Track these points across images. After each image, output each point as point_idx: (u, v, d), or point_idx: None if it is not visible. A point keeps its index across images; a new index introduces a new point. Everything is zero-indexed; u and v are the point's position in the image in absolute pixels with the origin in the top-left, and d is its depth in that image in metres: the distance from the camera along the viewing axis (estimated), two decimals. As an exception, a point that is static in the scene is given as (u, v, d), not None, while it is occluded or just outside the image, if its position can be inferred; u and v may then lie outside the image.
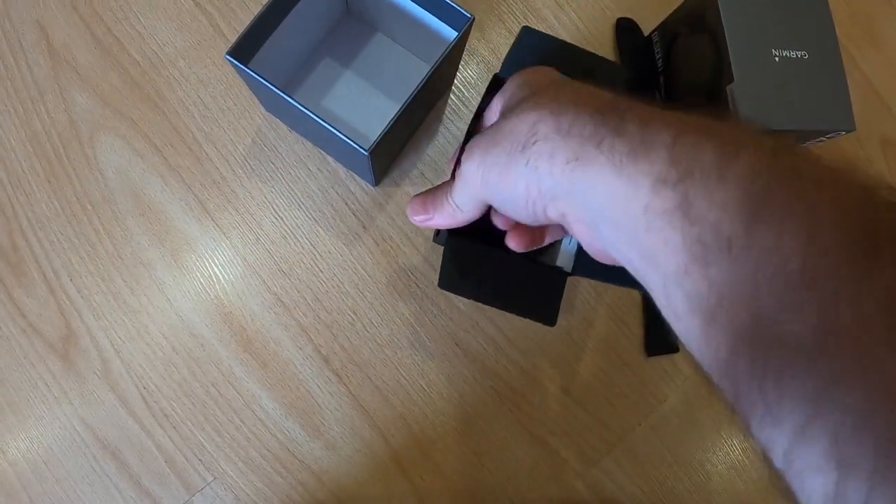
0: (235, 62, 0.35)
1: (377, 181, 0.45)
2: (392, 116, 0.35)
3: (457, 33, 0.37)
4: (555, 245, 0.38)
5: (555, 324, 0.35)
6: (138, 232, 0.45)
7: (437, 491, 0.44)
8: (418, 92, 0.35)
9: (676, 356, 0.46)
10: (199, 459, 0.44)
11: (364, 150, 0.34)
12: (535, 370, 0.45)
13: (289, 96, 0.35)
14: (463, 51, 0.41)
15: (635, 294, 0.46)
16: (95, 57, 0.46)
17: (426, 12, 0.40)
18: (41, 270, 0.44)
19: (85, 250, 0.45)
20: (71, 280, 0.44)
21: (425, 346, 0.44)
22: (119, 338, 0.44)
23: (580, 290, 0.46)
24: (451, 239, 0.34)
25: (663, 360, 0.46)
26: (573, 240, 0.38)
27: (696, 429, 0.47)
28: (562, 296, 0.35)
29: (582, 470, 0.45)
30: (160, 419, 0.44)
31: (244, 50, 0.36)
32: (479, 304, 0.45)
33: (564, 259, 0.37)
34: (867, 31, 0.52)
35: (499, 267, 0.36)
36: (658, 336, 0.46)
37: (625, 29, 0.49)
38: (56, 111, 0.46)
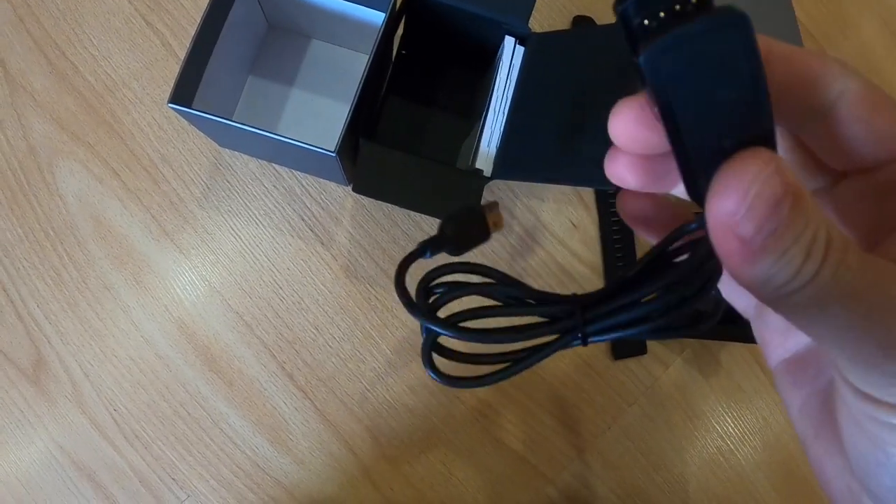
0: (180, 108, 0.35)
1: (349, 180, 0.44)
2: (348, 112, 0.35)
3: (384, 14, 0.37)
4: (471, 146, 0.38)
5: None
6: (100, 256, 0.45)
7: (408, 502, 0.44)
8: (367, 81, 0.35)
9: (644, 358, 0.46)
10: (173, 479, 0.44)
11: (331, 152, 0.34)
12: (500, 378, 0.45)
13: (244, 125, 0.35)
14: (396, 29, 0.41)
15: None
16: (51, 82, 0.46)
17: (346, 2, 0.40)
18: (9, 297, 0.45)
19: (50, 276, 0.45)
20: (38, 306, 0.45)
21: (388, 358, 0.44)
22: (87, 362, 0.44)
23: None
24: (365, 143, 0.34)
25: (631, 363, 0.46)
26: (492, 142, 0.37)
27: (669, 429, 0.46)
28: (480, 198, 0.35)
29: (552, 476, 0.45)
30: (132, 440, 0.44)
31: (184, 93, 0.36)
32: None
33: (483, 162, 0.37)
34: (836, 17, 0.50)
35: (414, 171, 0.35)
36: (625, 339, 0.45)
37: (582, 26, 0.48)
38: (15, 138, 0.46)
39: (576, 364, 0.45)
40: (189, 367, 0.44)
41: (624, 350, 0.45)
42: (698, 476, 0.46)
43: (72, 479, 0.44)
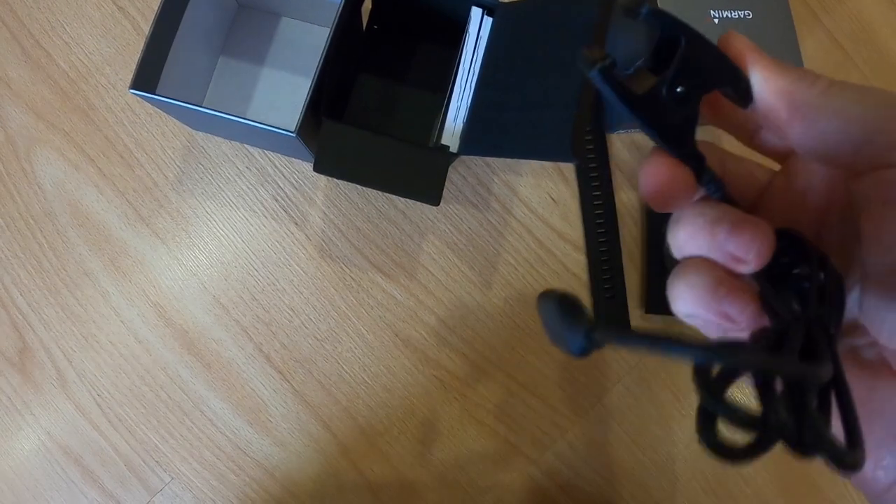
0: (141, 93, 0.34)
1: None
2: (308, 92, 0.34)
3: None
4: (436, 123, 0.38)
5: (438, 203, 0.34)
6: (79, 243, 0.45)
7: (388, 483, 0.44)
8: (328, 57, 0.35)
9: (628, 334, 0.44)
10: (156, 461, 0.44)
11: (291, 133, 0.34)
12: (478, 357, 0.44)
13: (204, 108, 0.34)
14: (361, 3, 0.40)
15: (583, 276, 0.45)
16: (26, 70, 0.47)
17: None
18: (-8, 286, 0.45)
19: (31, 264, 0.45)
20: (21, 294, 0.45)
21: (364, 338, 0.44)
22: (70, 348, 0.45)
23: (523, 275, 0.45)
24: (325, 122, 0.34)
25: (614, 340, 0.45)
26: (458, 117, 0.37)
27: (655, 408, 0.45)
28: (445, 175, 0.35)
29: (535, 456, 0.44)
30: (115, 424, 0.44)
31: (147, 77, 0.36)
32: (419, 295, 0.44)
33: (449, 137, 0.37)
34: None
35: (376, 148, 0.35)
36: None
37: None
38: (-7, 128, 0.46)
39: (556, 342, 0.44)
40: (168, 351, 0.44)
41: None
42: (686, 455, 0.45)
43: (60, 464, 0.44)
